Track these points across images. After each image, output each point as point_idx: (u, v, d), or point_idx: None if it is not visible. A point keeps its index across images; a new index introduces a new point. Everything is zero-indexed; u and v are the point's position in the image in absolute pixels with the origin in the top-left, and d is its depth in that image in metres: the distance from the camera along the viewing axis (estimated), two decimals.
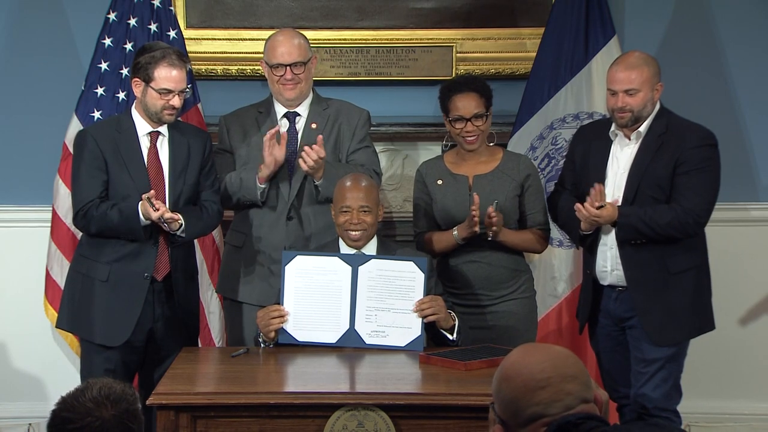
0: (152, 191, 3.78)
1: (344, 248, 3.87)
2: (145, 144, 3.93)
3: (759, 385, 5.06)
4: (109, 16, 4.65)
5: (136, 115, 3.94)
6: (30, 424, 4.99)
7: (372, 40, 4.96)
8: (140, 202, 3.79)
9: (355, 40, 4.95)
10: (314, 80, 4.28)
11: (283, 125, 4.20)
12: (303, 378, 3.59)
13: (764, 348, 5.04)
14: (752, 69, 5.00)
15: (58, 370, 4.89)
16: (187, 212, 3.92)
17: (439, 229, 4.12)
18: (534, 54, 4.77)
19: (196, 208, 3.99)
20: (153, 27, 4.66)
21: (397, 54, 4.95)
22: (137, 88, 3.89)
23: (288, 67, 4.11)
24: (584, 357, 4.63)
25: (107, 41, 4.64)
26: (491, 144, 4.15)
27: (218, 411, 3.34)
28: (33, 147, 4.91)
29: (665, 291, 3.94)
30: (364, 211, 3.83)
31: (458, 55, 4.94)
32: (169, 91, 3.84)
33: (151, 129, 3.93)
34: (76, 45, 4.92)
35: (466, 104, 4.01)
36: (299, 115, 4.20)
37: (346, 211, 3.83)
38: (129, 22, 4.64)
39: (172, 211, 3.82)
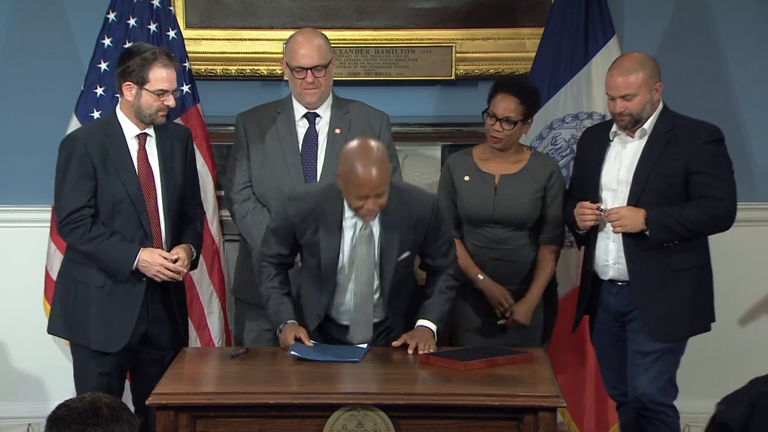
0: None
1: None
2: (133, 147, 3.89)
3: None
4: (108, 16, 4.65)
5: (122, 117, 3.89)
6: (30, 424, 4.99)
7: (372, 40, 4.96)
8: (142, 249, 3.81)
9: (355, 40, 4.95)
10: None
11: (303, 126, 4.19)
12: (303, 378, 3.59)
13: (764, 348, 5.03)
14: (752, 69, 5.00)
15: (58, 370, 4.88)
16: (191, 237, 3.98)
17: (457, 225, 4.16)
18: (534, 54, 4.77)
19: (193, 229, 4.02)
20: (152, 27, 4.65)
21: (396, 54, 4.95)
22: (129, 91, 3.83)
23: (309, 71, 4.07)
24: (584, 353, 4.63)
25: (107, 41, 4.64)
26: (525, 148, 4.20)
27: (218, 411, 3.35)
28: (33, 147, 4.91)
29: (666, 287, 3.94)
30: (379, 195, 3.65)
31: (458, 55, 4.94)
32: (164, 91, 3.82)
33: (138, 131, 3.89)
34: (76, 45, 4.92)
35: (502, 105, 4.04)
36: (319, 116, 4.18)
37: (362, 197, 3.64)
38: (129, 22, 4.64)
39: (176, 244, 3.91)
